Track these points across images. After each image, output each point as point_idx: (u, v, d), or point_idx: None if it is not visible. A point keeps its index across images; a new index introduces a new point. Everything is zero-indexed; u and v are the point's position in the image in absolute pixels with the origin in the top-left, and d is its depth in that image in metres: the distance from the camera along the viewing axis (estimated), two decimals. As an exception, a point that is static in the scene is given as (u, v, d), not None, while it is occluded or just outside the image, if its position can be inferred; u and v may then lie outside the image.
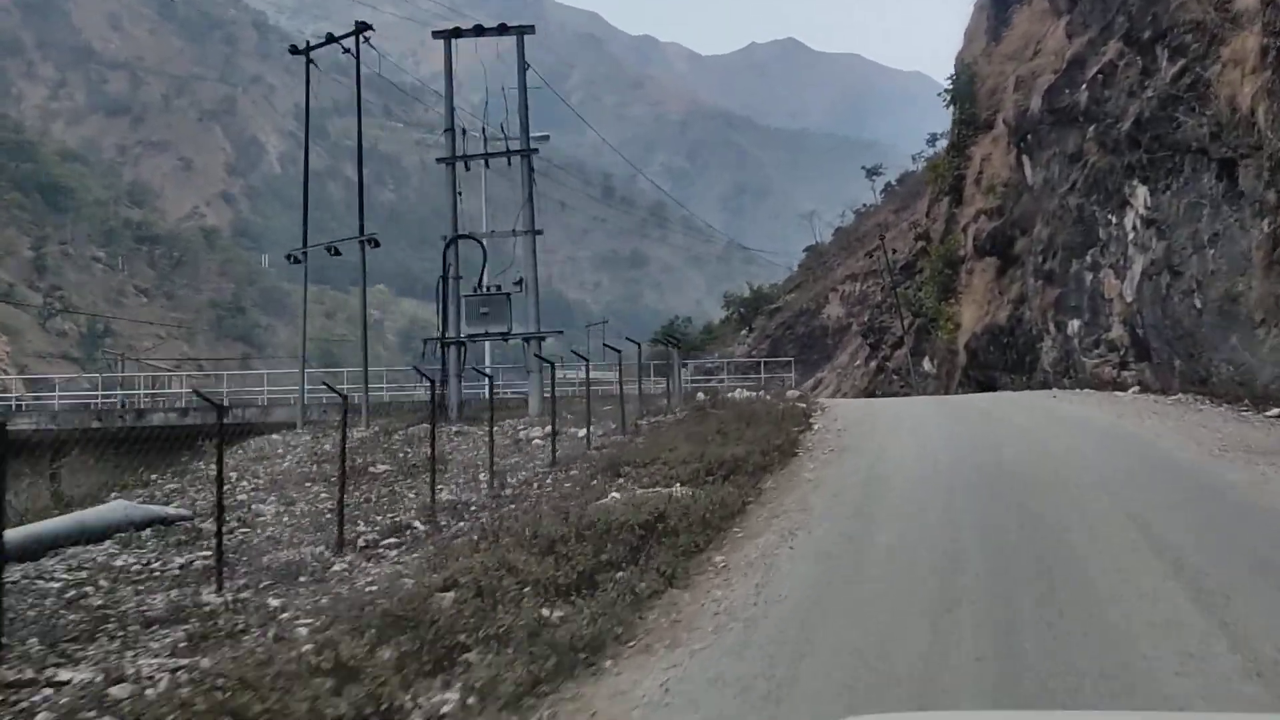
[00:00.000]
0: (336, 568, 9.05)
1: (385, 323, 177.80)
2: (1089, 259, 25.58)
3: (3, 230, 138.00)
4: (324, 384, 34.87)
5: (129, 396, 39.03)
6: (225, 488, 15.59)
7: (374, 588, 8.06)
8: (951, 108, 42.00)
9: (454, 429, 21.75)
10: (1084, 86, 25.47)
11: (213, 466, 18.18)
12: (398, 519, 11.69)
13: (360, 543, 10.28)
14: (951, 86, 41.23)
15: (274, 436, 23.53)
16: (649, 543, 8.54)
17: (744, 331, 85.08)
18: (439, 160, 29.56)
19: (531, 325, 27.41)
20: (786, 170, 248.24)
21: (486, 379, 25.88)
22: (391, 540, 10.38)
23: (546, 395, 34.81)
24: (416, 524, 11.23)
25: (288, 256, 35.43)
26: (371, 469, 16.03)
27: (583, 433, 18.99)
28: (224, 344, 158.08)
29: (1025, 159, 29.26)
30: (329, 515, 12.28)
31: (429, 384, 24.64)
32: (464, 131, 29.00)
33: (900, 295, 47.51)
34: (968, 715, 4.31)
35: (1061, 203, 26.64)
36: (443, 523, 11.40)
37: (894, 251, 49.71)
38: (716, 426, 16.58)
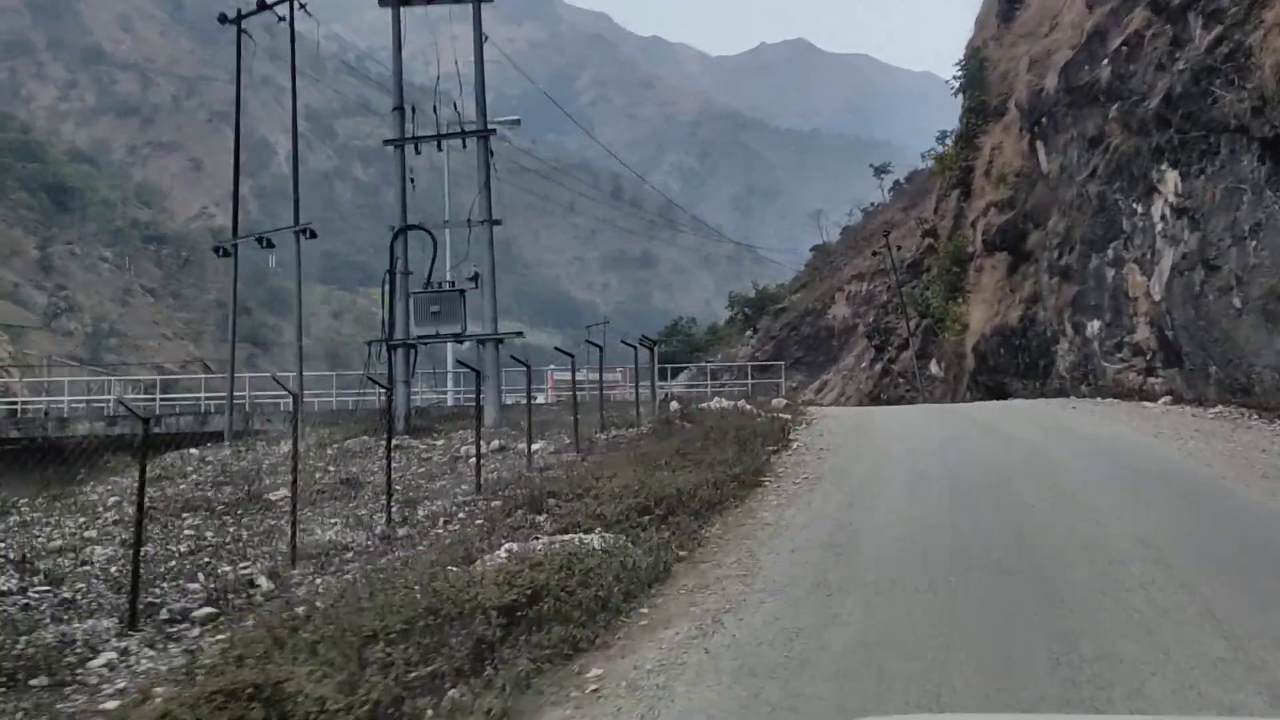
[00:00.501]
0: (100, 660, 6.46)
1: (483, 326, 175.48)
2: (1111, 253, 22.79)
3: (9, 230, 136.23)
4: (275, 378, 32.28)
5: (55, 403, 36.40)
6: (85, 519, 13.07)
7: (111, 705, 5.52)
8: (960, 96, 39.21)
9: (395, 442, 19.15)
10: (1106, 61, 22.68)
11: (99, 489, 15.65)
12: (248, 571, 9.11)
13: (165, 614, 7.71)
14: (961, 73, 38.43)
15: (192, 450, 20.97)
16: (513, 634, 5.93)
17: (748, 333, 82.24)
18: (386, 142, 26.95)
19: (488, 325, 24.76)
20: (796, 171, 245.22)
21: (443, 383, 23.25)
22: (208, 610, 7.77)
23: (521, 401, 32.30)
24: (262, 580, 8.66)
25: (216, 249, 32.81)
26: (269, 494, 13.46)
27: (535, 446, 16.39)
28: (230, 344, 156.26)
29: (1039, 145, 26.49)
30: (174, 561, 9.74)
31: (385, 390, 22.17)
32: (413, 110, 26.30)
33: (906, 295, 44.73)
34: (974, 718, 4.04)
35: (1080, 191, 23.86)
36: (296, 578, 8.84)
37: (898, 248, 46.90)
38: (678, 445, 13.92)
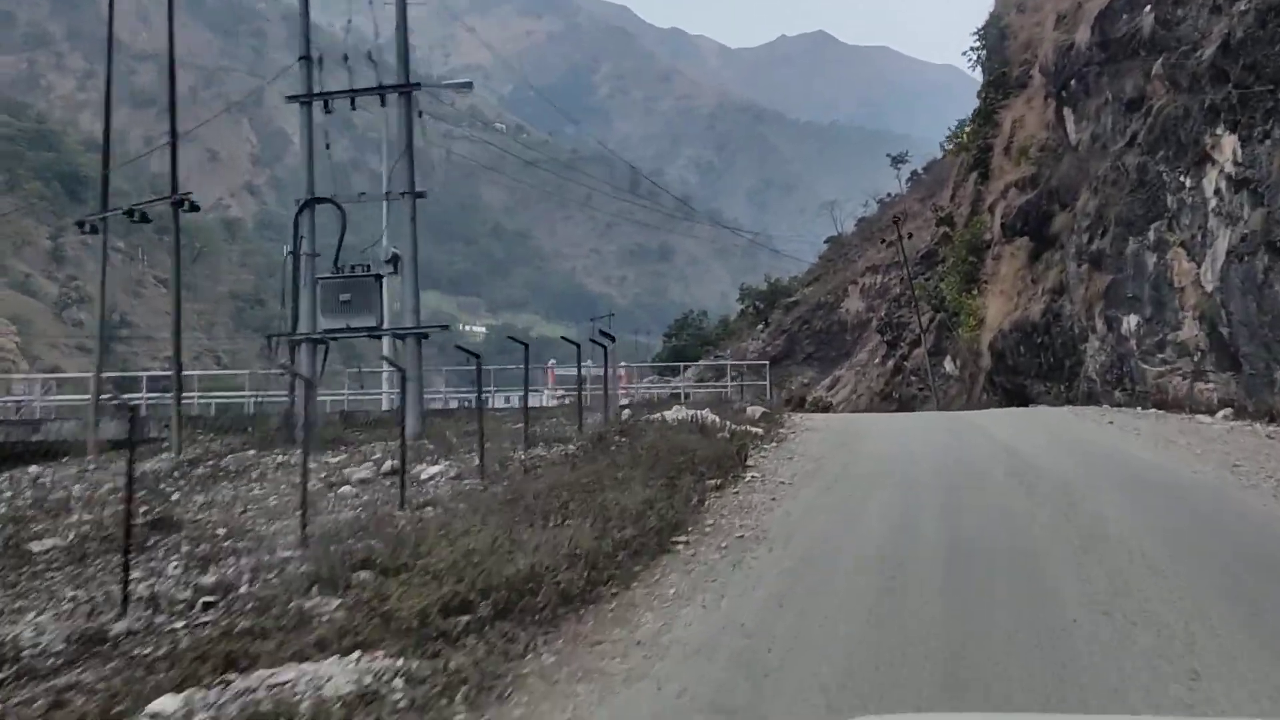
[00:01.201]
0: None
1: (404, 318, 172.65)
2: (1151, 235, 19.00)
3: (21, 220, 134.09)
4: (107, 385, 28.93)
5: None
6: None
7: None
8: (979, 69, 35.36)
9: (282, 459, 15.73)
10: (1148, 8, 18.89)
11: None
12: None
13: None
14: (979, 42, 34.55)
15: (31, 469, 17.42)
16: None
17: (759, 327, 78.40)
18: (289, 99, 23.40)
19: (409, 318, 21.27)
20: (814, 164, 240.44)
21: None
22: None
23: (479, 405, 28.82)
24: None
25: (80, 224, 29.43)
26: (33, 544, 10.05)
27: (433, 470, 12.93)
28: (242, 335, 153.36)
29: (1067, 113, 22.68)
30: None
31: (310, 392, 18.95)
32: (318, 61, 22.80)
33: (920, 288, 40.94)
34: (973, 716, 3.90)
35: (1115, 164, 20.07)
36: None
37: (909, 236, 43.06)
38: (590, 476, 10.37)
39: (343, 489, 12.23)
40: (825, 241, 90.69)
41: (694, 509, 8.91)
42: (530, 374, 21.65)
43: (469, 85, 36.74)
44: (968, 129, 37.34)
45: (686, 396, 27.92)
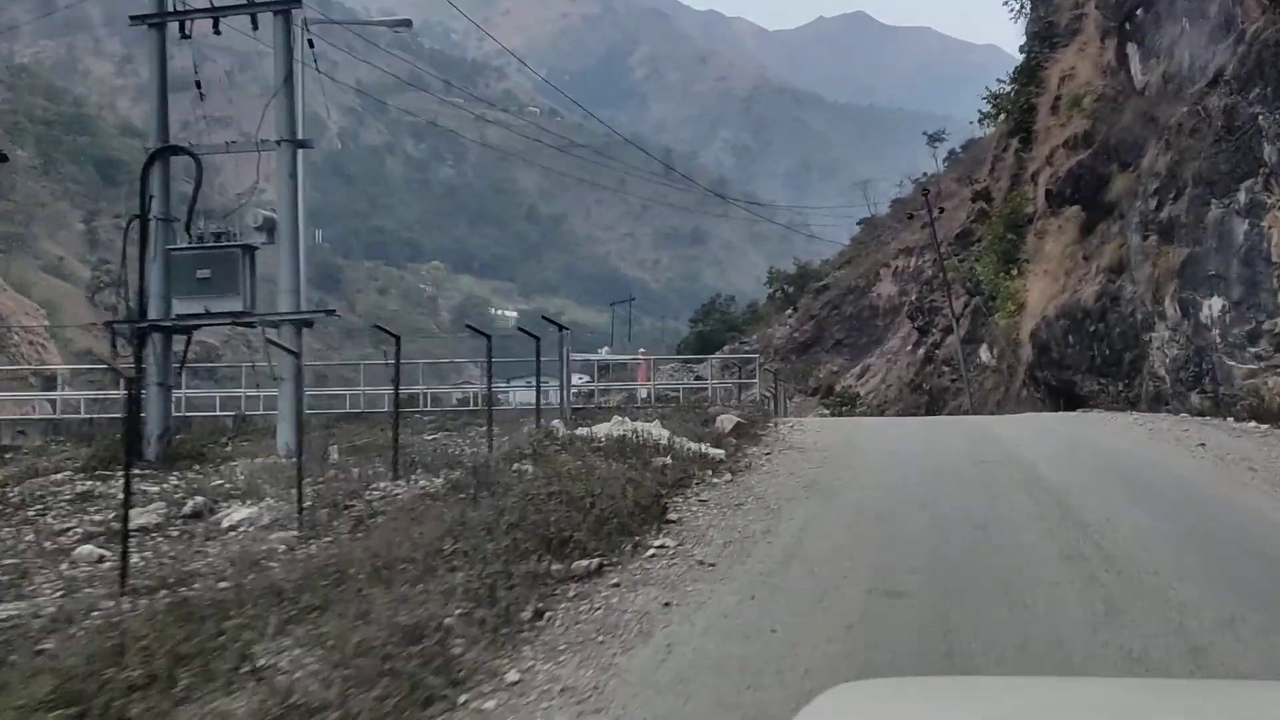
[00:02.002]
0: None
1: (439, 300, 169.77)
2: (1242, 196, 14.64)
3: (56, 203, 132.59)
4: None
5: None
6: None
7: None
8: (1020, 18, 30.79)
9: (85, 488, 11.95)
10: (1242, -97, 14.48)
11: None
12: None
13: None
14: (1022, -11, 29.99)
15: None
16: None
17: (787, 312, 73.86)
18: (133, 19, 19.47)
19: (286, 300, 17.34)
20: (853, 147, 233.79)
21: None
22: None
23: (395, 408, 25.45)
24: None
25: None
26: None
27: (242, 515, 9.06)
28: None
29: (1131, 50, 18.27)
30: None
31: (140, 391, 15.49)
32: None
33: (953, 269, 36.49)
34: (954, 679, 3.98)
35: (1195, 108, 15.68)
36: None
37: (941, 212, 38.52)
38: (411, 543, 6.44)
39: (81, 550, 8.36)
40: (858, 223, 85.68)
41: (488, 643, 4.91)
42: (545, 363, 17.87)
43: (408, 23, 32.75)
44: (1010, 87, 32.73)
45: (645, 401, 24.06)
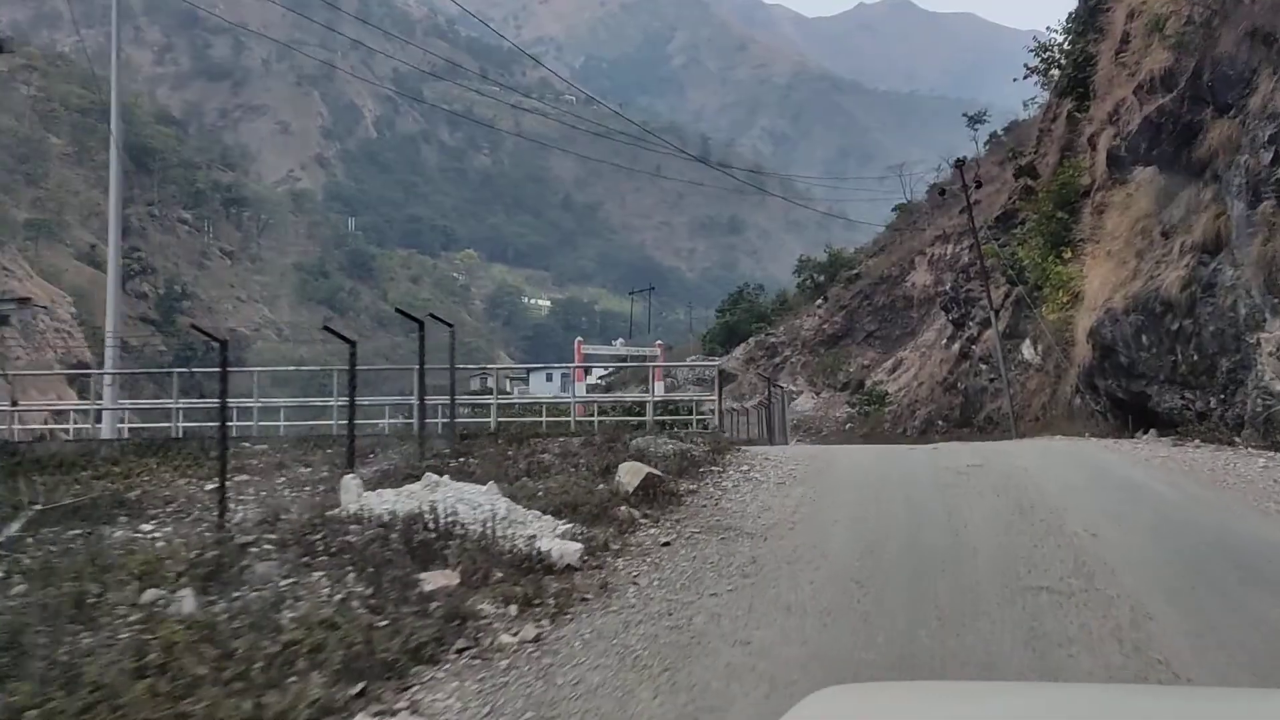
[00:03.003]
0: None
1: (472, 288, 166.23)
2: None
3: (89, 191, 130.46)
4: None
5: None
6: None
7: None
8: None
9: None
10: None
11: None
12: None
13: None
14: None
15: None
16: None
17: (817, 302, 68.60)
18: None
19: None
20: (894, 134, 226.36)
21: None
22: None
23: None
24: None
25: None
26: None
27: None
28: (306, 307, 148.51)
29: (1235, -50, 13.32)
30: None
31: None
32: None
33: (991, 253, 31.40)
34: (944, 685, 3.92)
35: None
36: None
37: (978, 185, 33.36)
38: None
39: None
40: (894, 209, 79.83)
41: None
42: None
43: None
44: (1063, 37, 27.50)
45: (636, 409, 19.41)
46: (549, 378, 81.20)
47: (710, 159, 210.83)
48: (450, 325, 14.05)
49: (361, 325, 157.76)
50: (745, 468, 9.96)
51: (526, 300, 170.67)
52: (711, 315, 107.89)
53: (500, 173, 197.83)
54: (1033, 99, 57.35)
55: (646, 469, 8.02)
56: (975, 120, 78.58)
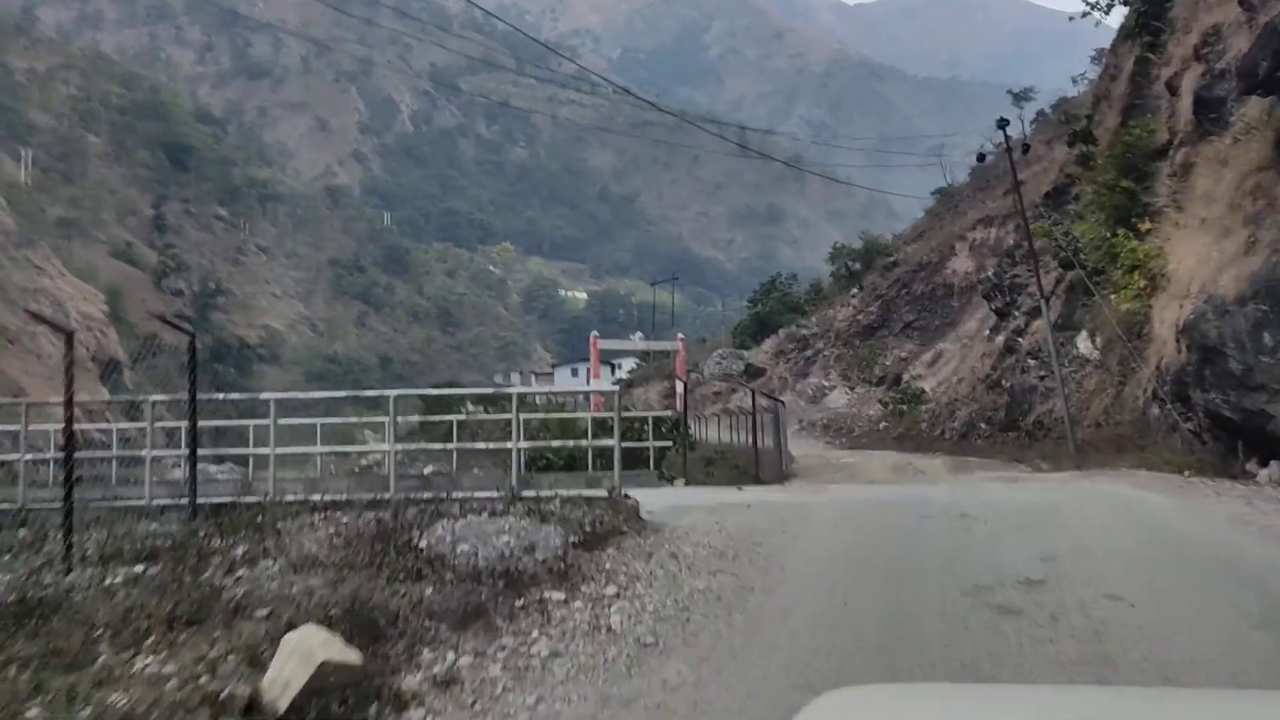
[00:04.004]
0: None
1: (508, 282, 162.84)
2: None
3: (125, 189, 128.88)
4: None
5: None
6: None
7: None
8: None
9: None
10: None
11: None
12: None
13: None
14: None
15: None
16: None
17: (852, 292, 63.54)
18: None
19: None
20: (935, 121, 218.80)
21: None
22: None
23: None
24: None
25: None
26: None
27: None
28: (341, 302, 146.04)
29: None
30: None
31: None
32: None
33: (1041, 231, 26.61)
34: (953, 687, 3.82)
35: None
36: None
37: (1025, 149, 28.47)
38: None
39: None
40: (933, 193, 74.06)
41: None
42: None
43: None
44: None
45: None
46: (574, 373, 77.07)
47: (748, 147, 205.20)
48: (190, 333, 9.89)
49: (396, 320, 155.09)
50: (612, 588, 5.62)
51: (563, 293, 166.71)
52: (741, 304, 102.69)
53: (537, 165, 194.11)
54: (1082, 74, 52.01)
55: (328, 655, 3.64)
56: (1021, 97, 72.54)
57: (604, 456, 14.47)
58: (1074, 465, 17.84)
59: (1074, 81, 55.77)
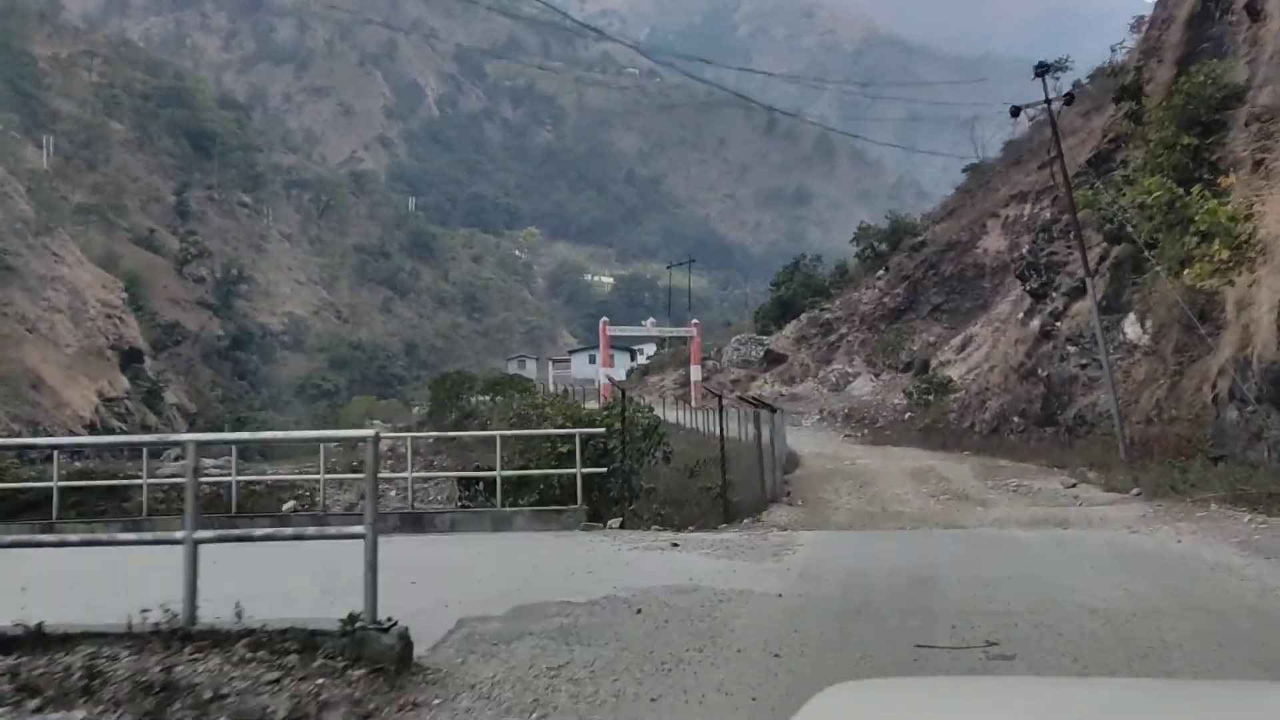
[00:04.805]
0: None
1: (534, 266, 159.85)
2: None
3: (148, 176, 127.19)
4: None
5: None
6: None
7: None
8: None
9: None
10: None
11: None
12: None
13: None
14: None
15: None
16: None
17: (878, 273, 59.96)
18: None
19: None
20: (968, 98, 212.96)
21: None
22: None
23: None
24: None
25: None
26: None
27: None
28: (366, 289, 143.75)
29: None
30: None
31: None
32: None
33: (1084, 200, 23.04)
34: (955, 681, 3.89)
35: None
36: None
37: (1068, 101, 24.85)
38: None
39: None
40: (964, 169, 69.64)
41: None
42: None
43: None
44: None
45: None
46: (591, 360, 73.83)
47: (777, 129, 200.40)
48: None
49: (422, 305, 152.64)
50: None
51: (589, 278, 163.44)
52: (765, 288, 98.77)
53: (563, 148, 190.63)
54: (1121, 43, 47.84)
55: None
56: (1055, 68, 67.85)
57: (521, 491, 11.49)
58: (1130, 478, 14.47)
59: (1112, 50, 51.50)
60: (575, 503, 11.43)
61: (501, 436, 13.04)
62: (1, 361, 65.99)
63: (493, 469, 11.94)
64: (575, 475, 11.37)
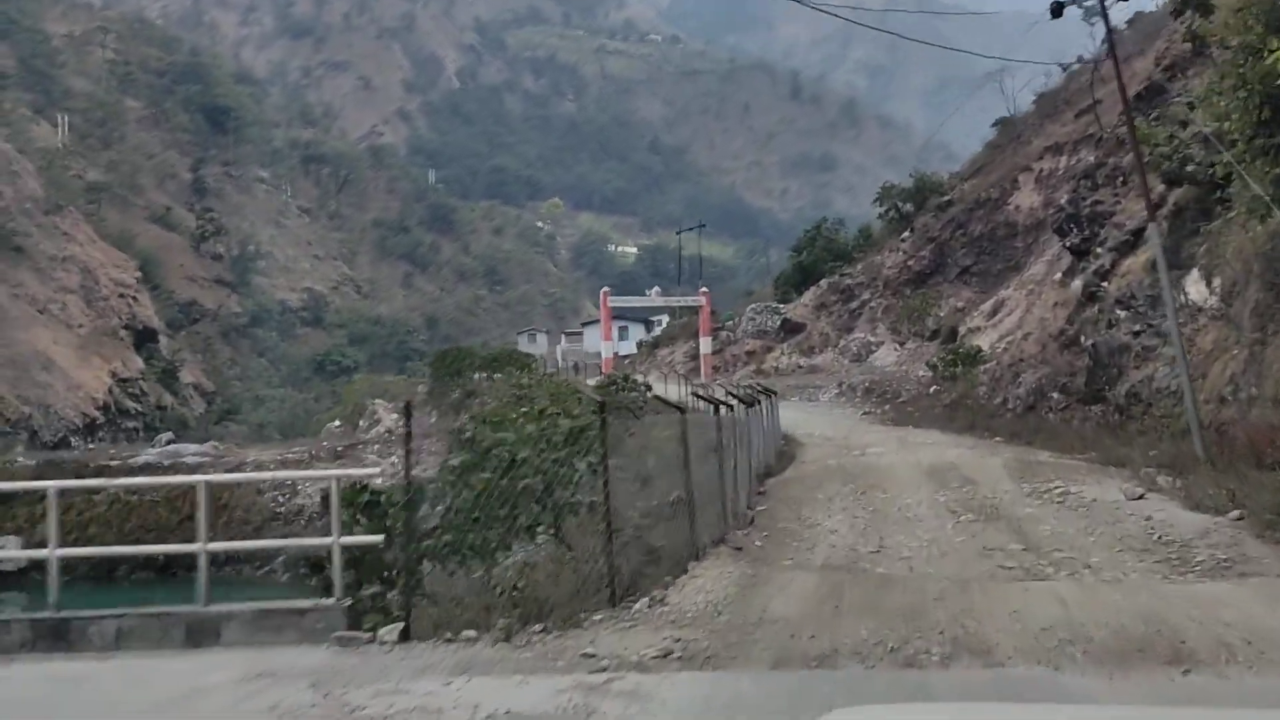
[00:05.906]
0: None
1: (558, 238, 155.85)
2: None
3: (164, 153, 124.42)
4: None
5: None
6: None
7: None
8: None
9: None
10: None
11: None
12: None
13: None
14: None
15: None
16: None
17: (902, 235, 55.43)
18: None
19: None
20: (998, 60, 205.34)
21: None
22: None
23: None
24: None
25: None
26: None
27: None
28: (386, 263, 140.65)
29: None
30: None
31: None
32: None
33: (1145, 136, 18.81)
34: (962, 707, 3.82)
35: None
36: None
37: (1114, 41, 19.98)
38: None
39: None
40: (993, 124, 64.33)
41: None
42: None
43: None
44: None
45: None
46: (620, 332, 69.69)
47: (802, 95, 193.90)
48: None
49: (443, 279, 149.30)
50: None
51: (613, 248, 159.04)
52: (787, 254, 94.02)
53: (585, 119, 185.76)
54: None
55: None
56: (1093, 12, 62.36)
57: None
58: (1222, 491, 10.42)
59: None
60: (333, 594, 7.37)
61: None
62: (11, 343, 63.48)
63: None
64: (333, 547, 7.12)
